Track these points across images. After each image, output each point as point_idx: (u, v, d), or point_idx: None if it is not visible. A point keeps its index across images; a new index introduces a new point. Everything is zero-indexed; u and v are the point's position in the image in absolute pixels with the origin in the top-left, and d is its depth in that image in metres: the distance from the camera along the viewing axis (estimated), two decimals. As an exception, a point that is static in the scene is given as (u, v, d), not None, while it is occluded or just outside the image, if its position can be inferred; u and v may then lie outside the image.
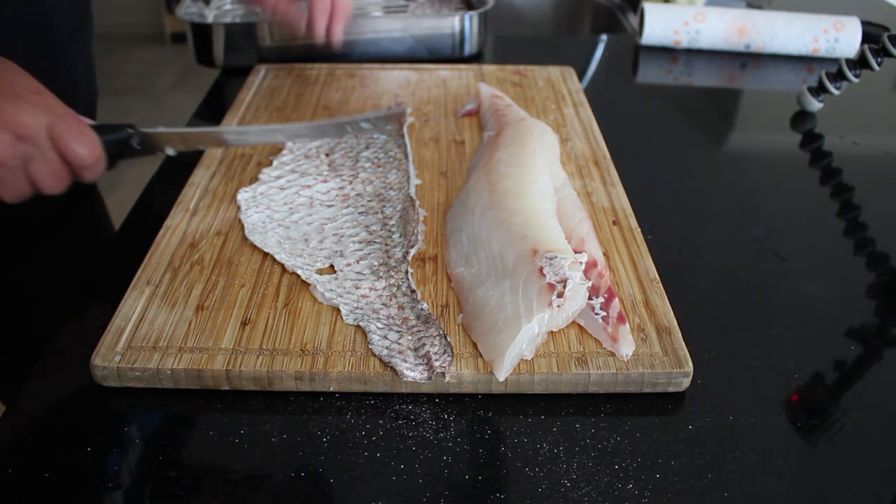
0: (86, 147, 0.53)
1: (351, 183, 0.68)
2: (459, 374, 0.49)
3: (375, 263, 0.58)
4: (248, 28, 0.96)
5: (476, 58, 1.05)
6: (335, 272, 0.57)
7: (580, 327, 0.52)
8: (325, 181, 0.68)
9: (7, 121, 0.50)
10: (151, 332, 0.51)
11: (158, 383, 0.49)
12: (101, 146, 0.55)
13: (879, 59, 0.83)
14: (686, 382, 0.50)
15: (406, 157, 0.72)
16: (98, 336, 0.51)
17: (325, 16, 0.73)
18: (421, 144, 0.76)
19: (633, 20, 1.28)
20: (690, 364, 0.50)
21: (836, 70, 0.87)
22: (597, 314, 0.52)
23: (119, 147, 0.59)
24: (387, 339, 0.50)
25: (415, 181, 0.69)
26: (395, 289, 0.55)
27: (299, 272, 0.56)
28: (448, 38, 1.02)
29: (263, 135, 0.71)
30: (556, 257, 0.51)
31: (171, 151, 0.65)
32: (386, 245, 0.60)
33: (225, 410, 0.48)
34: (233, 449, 0.46)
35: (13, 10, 0.66)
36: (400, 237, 0.60)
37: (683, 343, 0.51)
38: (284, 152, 0.72)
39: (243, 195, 0.65)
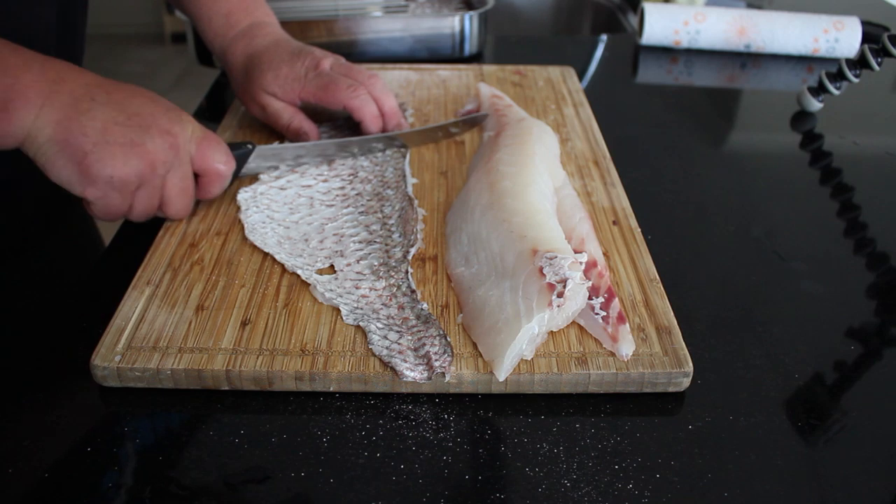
0: (223, 159, 0.59)
1: (351, 182, 0.68)
2: (459, 374, 0.49)
3: (375, 263, 0.58)
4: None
5: (476, 58, 1.05)
6: (335, 272, 0.57)
7: (580, 327, 0.52)
8: (325, 181, 0.68)
9: (164, 128, 0.55)
10: (151, 332, 0.51)
11: (158, 383, 0.49)
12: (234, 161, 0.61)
13: (879, 59, 0.83)
14: (686, 382, 0.50)
15: (403, 156, 0.72)
16: (98, 336, 0.51)
17: (377, 123, 0.73)
18: (421, 144, 0.76)
19: (633, 20, 1.28)
20: (690, 364, 0.50)
21: (836, 70, 0.87)
22: (597, 314, 0.52)
23: (241, 162, 0.64)
24: (387, 339, 0.50)
25: (411, 179, 0.69)
26: (395, 289, 0.55)
27: (299, 272, 0.56)
28: (448, 38, 1.02)
29: (366, 143, 0.71)
30: (556, 257, 0.51)
31: (284, 168, 0.69)
32: (386, 245, 0.60)
33: (225, 410, 0.48)
34: (233, 449, 0.46)
35: None
36: (400, 237, 0.60)
37: (683, 343, 0.51)
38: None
39: (243, 195, 0.65)
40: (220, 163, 0.59)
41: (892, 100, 1.00)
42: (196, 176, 0.60)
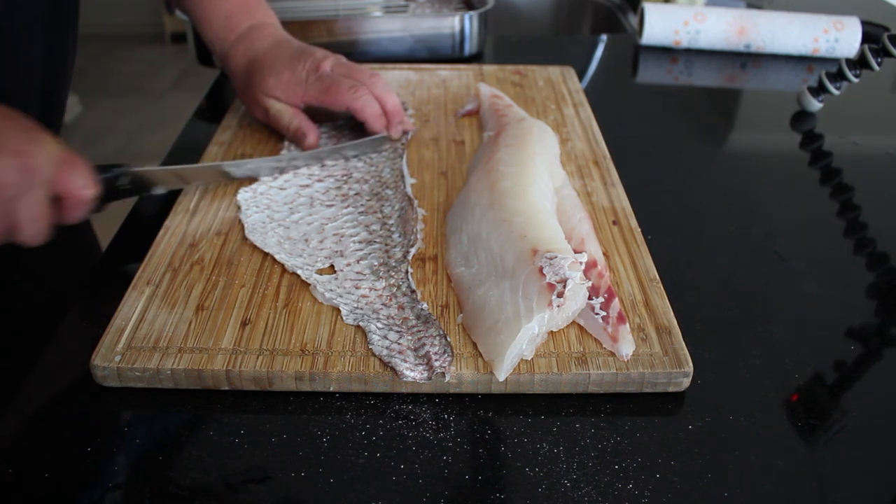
0: (84, 183, 0.53)
1: (347, 182, 0.68)
2: (459, 374, 0.49)
3: (375, 263, 0.58)
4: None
5: (476, 58, 1.05)
6: (335, 272, 0.57)
7: (580, 327, 0.52)
8: (320, 181, 0.68)
9: (15, 149, 0.49)
10: (151, 333, 0.51)
11: (158, 383, 0.49)
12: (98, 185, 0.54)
13: (879, 59, 0.83)
14: (686, 382, 0.50)
15: (400, 156, 0.72)
16: (98, 336, 0.51)
17: (380, 122, 0.73)
18: (421, 144, 0.76)
19: (633, 20, 1.28)
20: (690, 364, 0.50)
21: (836, 70, 0.87)
22: (597, 314, 0.52)
23: (109, 185, 0.58)
24: (387, 339, 0.50)
25: (409, 179, 0.69)
26: (395, 289, 0.55)
27: (299, 272, 0.56)
28: (448, 38, 1.02)
29: (263, 162, 0.69)
30: (556, 257, 0.51)
31: (161, 190, 0.64)
32: (386, 245, 0.60)
33: (225, 410, 0.48)
34: (233, 449, 0.46)
35: None
36: (399, 237, 0.60)
37: (683, 343, 0.51)
38: (283, 153, 0.73)
39: (243, 195, 0.65)
40: (82, 187, 0.53)
41: (892, 100, 1.00)
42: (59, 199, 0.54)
